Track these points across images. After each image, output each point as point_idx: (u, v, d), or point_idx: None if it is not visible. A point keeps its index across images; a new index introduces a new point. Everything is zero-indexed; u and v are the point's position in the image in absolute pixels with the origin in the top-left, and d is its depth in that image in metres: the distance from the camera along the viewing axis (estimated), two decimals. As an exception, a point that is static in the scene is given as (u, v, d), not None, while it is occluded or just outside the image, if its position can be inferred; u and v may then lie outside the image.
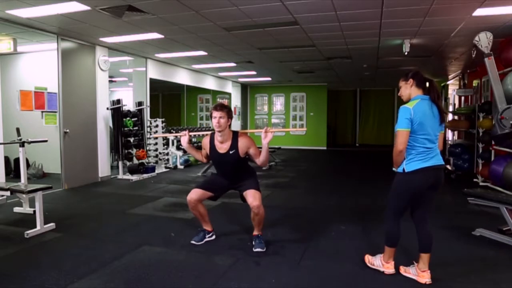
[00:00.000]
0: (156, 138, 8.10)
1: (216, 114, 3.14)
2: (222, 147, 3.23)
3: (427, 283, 2.60)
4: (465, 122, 7.52)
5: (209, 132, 3.39)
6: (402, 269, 2.79)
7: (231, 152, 3.20)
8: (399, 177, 2.63)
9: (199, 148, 3.55)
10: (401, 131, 2.50)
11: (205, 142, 3.35)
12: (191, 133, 3.42)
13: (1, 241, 3.50)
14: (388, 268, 2.77)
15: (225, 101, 12.83)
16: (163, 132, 8.23)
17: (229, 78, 12.54)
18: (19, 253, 3.24)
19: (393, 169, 2.71)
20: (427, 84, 2.64)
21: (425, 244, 2.65)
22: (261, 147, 3.15)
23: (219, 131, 3.18)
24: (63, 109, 5.97)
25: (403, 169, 2.57)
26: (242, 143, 3.20)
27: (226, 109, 3.19)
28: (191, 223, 4.09)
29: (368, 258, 2.94)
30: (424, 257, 2.64)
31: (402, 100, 2.76)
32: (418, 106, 2.52)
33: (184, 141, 3.31)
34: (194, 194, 3.30)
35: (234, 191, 3.43)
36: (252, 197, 3.16)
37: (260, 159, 3.17)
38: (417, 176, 2.54)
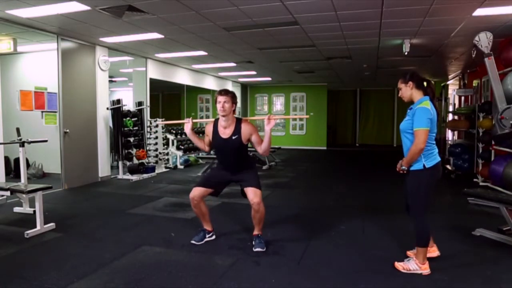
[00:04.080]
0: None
1: (220, 98, 3.18)
2: (226, 132, 3.26)
3: (438, 255, 2.98)
4: (465, 122, 7.52)
5: (212, 119, 3.42)
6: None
7: (234, 138, 3.22)
8: (421, 174, 2.69)
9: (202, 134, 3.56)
10: (423, 130, 2.61)
11: (209, 128, 3.38)
12: (194, 120, 3.45)
13: (1, 241, 3.50)
14: (426, 268, 2.76)
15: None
16: (162, 132, 8.25)
17: (229, 78, 12.54)
18: (19, 253, 3.23)
19: (403, 167, 2.76)
20: (425, 84, 2.79)
21: None
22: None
23: (223, 116, 3.21)
24: (63, 109, 5.97)
25: (424, 165, 2.67)
26: (245, 129, 3.22)
27: (231, 94, 3.22)
28: (191, 223, 4.09)
29: (400, 266, 2.82)
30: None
31: (403, 100, 2.88)
32: (432, 106, 2.69)
33: (187, 127, 3.35)
34: (196, 191, 3.33)
35: (234, 190, 3.42)
36: (253, 194, 3.18)
37: (262, 146, 3.18)
38: (436, 169, 2.72)
